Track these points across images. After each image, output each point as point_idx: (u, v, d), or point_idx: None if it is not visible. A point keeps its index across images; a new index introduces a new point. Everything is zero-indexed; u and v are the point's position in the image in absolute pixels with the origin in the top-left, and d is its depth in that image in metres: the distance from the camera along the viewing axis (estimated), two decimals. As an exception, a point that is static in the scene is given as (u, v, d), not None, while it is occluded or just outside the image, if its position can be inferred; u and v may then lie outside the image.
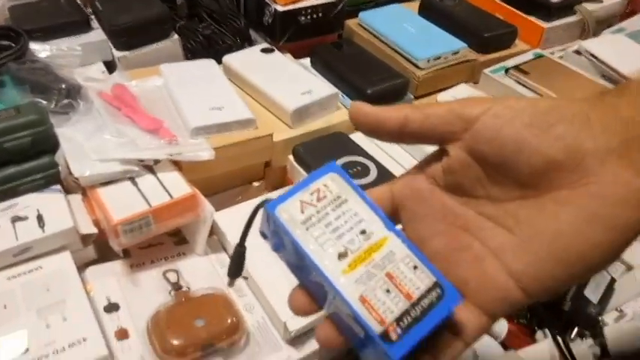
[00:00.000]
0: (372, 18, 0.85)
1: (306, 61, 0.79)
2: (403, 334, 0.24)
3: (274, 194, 0.62)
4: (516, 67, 0.78)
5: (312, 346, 0.47)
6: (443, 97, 0.76)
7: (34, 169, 0.52)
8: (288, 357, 0.46)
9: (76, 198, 0.54)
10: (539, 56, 0.82)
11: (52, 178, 0.53)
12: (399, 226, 0.28)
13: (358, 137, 0.66)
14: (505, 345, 0.52)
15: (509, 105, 0.26)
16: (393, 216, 0.29)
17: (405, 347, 0.24)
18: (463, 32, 0.81)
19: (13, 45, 0.67)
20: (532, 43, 0.87)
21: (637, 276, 0.57)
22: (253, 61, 0.73)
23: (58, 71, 0.63)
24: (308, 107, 0.66)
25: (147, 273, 0.53)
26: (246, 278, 0.51)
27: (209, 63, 0.71)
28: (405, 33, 0.81)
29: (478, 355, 0.48)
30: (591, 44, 0.82)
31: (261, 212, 0.28)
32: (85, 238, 0.51)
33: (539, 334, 0.56)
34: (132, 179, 0.54)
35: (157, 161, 0.55)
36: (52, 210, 0.50)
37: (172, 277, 0.52)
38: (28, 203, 0.51)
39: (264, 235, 0.28)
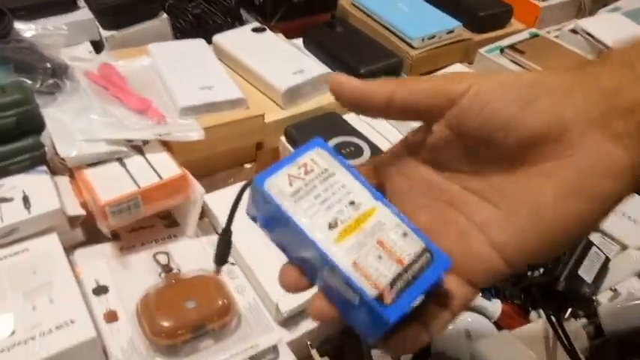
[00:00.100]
0: (365, -3, 0.84)
1: (299, 41, 0.78)
2: (397, 298, 0.24)
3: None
4: (512, 47, 0.77)
5: (304, 327, 0.47)
6: (437, 77, 0.75)
7: (20, 149, 0.51)
8: (280, 338, 0.46)
9: (64, 180, 0.53)
10: (535, 35, 0.81)
11: (38, 159, 0.52)
12: None
13: (351, 118, 0.65)
14: (499, 325, 0.52)
15: (493, 80, 0.26)
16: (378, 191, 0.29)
17: (399, 310, 0.24)
18: (458, 11, 0.80)
19: (-3, 24, 0.65)
20: (528, 23, 0.86)
21: (631, 255, 0.57)
22: (244, 40, 0.71)
23: (43, 51, 0.62)
24: (300, 87, 0.65)
25: (137, 255, 0.52)
26: (233, 264, 0.51)
27: (199, 42, 0.70)
28: (399, 12, 0.80)
29: (472, 335, 0.48)
30: (587, 23, 0.81)
31: (247, 194, 0.27)
32: (73, 220, 0.50)
33: (533, 314, 0.55)
34: (120, 160, 0.53)
35: (145, 142, 0.54)
36: (38, 191, 0.49)
37: (163, 259, 0.52)
38: (14, 184, 0.50)
39: (252, 218, 0.28)
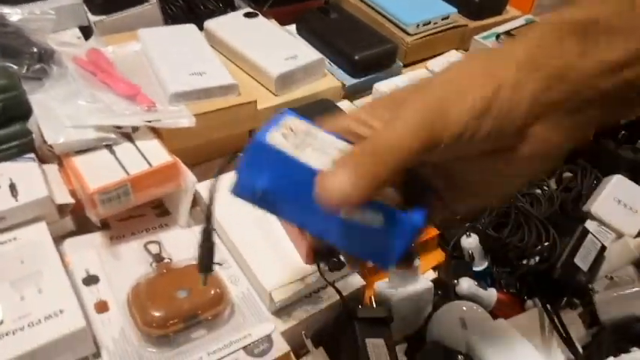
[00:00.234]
0: (360, -18, 0.82)
1: (292, 27, 0.77)
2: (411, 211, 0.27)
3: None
4: (508, 33, 0.76)
5: (298, 316, 0.46)
6: (433, 64, 0.74)
7: (6, 136, 0.50)
8: (274, 328, 0.45)
9: (52, 168, 0.52)
10: (531, 22, 0.80)
11: (26, 146, 0.51)
12: None
13: (345, 105, 0.64)
14: (495, 314, 0.51)
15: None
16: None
17: (421, 214, 0.27)
18: (454, -3, 0.79)
19: (-18, 8, 0.63)
20: (524, 9, 0.85)
21: (627, 243, 0.57)
22: (236, 26, 0.70)
23: (30, 35, 0.60)
24: (293, 73, 0.63)
25: (128, 245, 0.51)
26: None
27: (190, 28, 0.68)
28: (394, -3, 0.79)
29: (467, 324, 0.48)
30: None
31: (231, 176, 0.29)
32: (62, 209, 0.49)
33: (528, 303, 0.55)
34: (109, 147, 0.52)
35: (135, 129, 0.53)
36: (26, 179, 0.48)
37: (154, 248, 0.51)
38: (1, 172, 0.48)
39: (243, 194, 0.30)
